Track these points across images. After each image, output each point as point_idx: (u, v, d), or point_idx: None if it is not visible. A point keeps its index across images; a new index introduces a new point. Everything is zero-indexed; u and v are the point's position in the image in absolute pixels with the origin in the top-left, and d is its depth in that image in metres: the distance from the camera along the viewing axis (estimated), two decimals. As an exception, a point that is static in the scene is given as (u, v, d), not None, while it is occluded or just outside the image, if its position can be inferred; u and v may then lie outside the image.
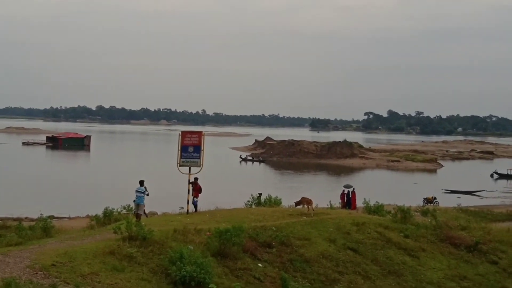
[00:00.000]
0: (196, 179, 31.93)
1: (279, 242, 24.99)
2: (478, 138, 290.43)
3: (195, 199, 31.89)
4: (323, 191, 74.18)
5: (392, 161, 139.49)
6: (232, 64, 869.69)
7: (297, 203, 33.96)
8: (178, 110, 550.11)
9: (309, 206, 33.47)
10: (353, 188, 44.80)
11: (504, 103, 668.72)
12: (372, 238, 28.30)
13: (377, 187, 73.94)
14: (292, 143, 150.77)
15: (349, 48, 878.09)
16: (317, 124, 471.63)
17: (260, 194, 43.26)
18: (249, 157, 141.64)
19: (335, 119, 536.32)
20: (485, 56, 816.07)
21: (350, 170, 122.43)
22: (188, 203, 31.52)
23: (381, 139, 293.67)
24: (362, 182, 56.81)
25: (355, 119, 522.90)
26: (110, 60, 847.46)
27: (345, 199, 44.56)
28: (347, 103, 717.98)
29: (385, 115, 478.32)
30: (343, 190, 45.52)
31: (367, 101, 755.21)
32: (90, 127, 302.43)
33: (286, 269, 23.05)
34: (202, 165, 31.49)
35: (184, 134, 32.24)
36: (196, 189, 31.87)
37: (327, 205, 40.37)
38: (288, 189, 71.88)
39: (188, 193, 31.57)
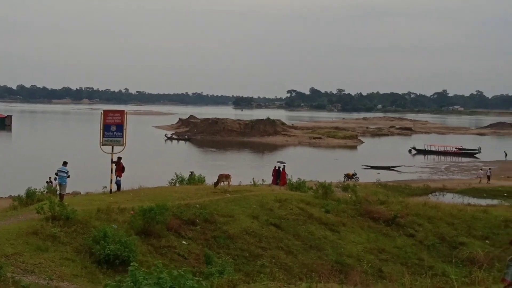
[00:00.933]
0: (119, 158, 31.68)
1: (203, 219, 25.13)
2: (397, 115, 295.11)
3: (118, 178, 31.63)
4: (246, 168, 74.77)
5: (314, 138, 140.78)
6: (156, 41, 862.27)
7: (216, 183, 34.05)
8: (100, 89, 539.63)
9: (228, 181, 33.66)
10: (284, 165, 45.26)
11: (421, 81, 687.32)
12: (294, 214, 28.77)
13: (300, 164, 74.68)
14: (215, 121, 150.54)
15: (273, 26, 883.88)
16: (240, 102, 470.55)
17: (192, 173, 43.38)
18: (174, 136, 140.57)
19: (258, 97, 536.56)
20: (405, 35, 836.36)
21: (273, 148, 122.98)
22: (111, 182, 31.26)
23: (304, 116, 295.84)
24: (285, 159, 57.42)
25: (278, 97, 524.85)
26: (31, 37, 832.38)
27: (276, 174, 45.11)
28: (270, 81, 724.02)
29: (307, 92, 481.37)
30: (275, 166, 46.00)
31: (290, 79, 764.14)
32: (11, 107, 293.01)
33: (210, 246, 23.24)
34: (125, 144, 31.37)
35: (106, 113, 31.94)
36: (119, 168, 31.61)
37: (251, 182, 40.74)
38: (212, 167, 71.75)
39: (111, 172, 31.29)
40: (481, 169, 74.40)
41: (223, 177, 33.85)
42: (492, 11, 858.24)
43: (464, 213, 33.79)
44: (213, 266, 19.58)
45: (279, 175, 44.39)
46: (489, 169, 72.38)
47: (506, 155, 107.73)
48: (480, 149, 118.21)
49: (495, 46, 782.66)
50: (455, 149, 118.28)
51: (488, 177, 68.07)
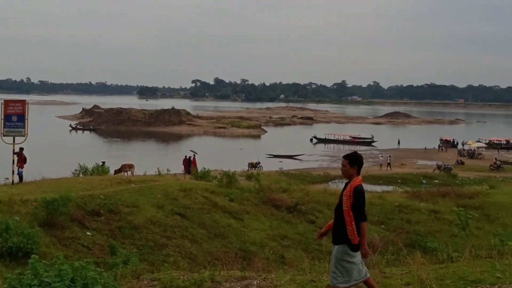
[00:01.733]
0: (21, 149, 30.95)
1: (108, 210, 24.79)
2: (299, 105, 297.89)
3: (20, 169, 30.92)
4: (152, 158, 74.02)
5: (219, 127, 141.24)
6: (58, 31, 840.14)
7: (117, 171, 33.60)
8: (0, 78, 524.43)
9: (132, 171, 33.34)
10: (194, 155, 45.22)
11: (322, 71, 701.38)
12: (199, 202, 28.78)
13: (204, 153, 74.61)
14: (120, 111, 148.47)
15: (177, 16, 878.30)
16: (145, 92, 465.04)
17: (103, 163, 42.53)
18: (79, 126, 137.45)
19: (163, 87, 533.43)
20: (304, 25, 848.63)
21: (179, 137, 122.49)
22: (13, 173, 30.43)
23: (208, 106, 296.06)
24: (190, 149, 57.58)
25: (183, 87, 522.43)
26: None
27: (188, 164, 45.06)
28: (175, 71, 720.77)
29: (212, 82, 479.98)
30: (186, 155, 45.89)
31: (195, 69, 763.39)
32: None
33: (114, 236, 22.97)
34: (27, 134, 30.64)
35: (7, 103, 31.12)
36: (21, 159, 30.91)
37: (156, 172, 40.48)
38: (116, 157, 69.88)
39: (13, 163, 30.50)
40: (381, 156, 77.50)
41: (126, 167, 33.50)
42: (386, 5, 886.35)
43: None
44: (117, 256, 19.36)
45: (190, 164, 44.42)
46: (389, 156, 75.66)
47: (399, 142, 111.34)
48: (373, 137, 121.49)
49: (389, 39, 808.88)
50: (350, 138, 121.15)
51: (389, 164, 71.56)
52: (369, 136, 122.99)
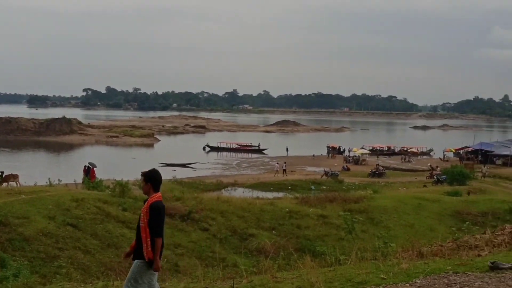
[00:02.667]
0: None
1: (-3, 222, 24.43)
2: (191, 113, 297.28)
3: None
4: (43, 168, 71.93)
5: (111, 136, 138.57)
6: None
7: (1, 182, 32.49)
8: None
9: (16, 182, 32.37)
10: (92, 164, 44.32)
11: (214, 80, 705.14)
12: (92, 213, 28.11)
13: (97, 163, 73.10)
14: (9, 120, 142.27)
15: (66, 25, 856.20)
16: (35, 101, 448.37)
17: (2, 173, 40.74)
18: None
19: (54, 96, 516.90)
20: (195, 34, 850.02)
21: (70, 147, 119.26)
22: None
23: (100, 115, 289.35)
24: (82, 158, 56.27)
25: (74, 96, 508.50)
26: None
27: (86, 173, 44.19)
28: (66, 79, 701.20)
29: (103, 91, 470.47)
30: (85, 166, 44.98)
31: (86, 78, 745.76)
32: None
33: (4, 249, 22.06)
34: None
35: None
36: None
37: (46, 182, 39.34)
38: (5, 167, 67.87)
39: None
40: (277, 163, 78.62)
41: (11, 177, 32.45)
42: (276, 16, 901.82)
43: (253, 206, 35.13)
44: (7, 269, 18.71)
45: (88, 173, 43.67)
46: (284, 163, 76.88)
47: (287, 150, 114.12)
48: (259, 145, 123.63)
49: (279, 49, 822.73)
50: (238, 146, 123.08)
51: (284, 170, 73.05)
52: (256, 144, 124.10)
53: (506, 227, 14.25)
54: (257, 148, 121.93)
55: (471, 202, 39.64)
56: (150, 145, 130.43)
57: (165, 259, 22.43)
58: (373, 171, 76.79)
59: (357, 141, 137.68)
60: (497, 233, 13.99)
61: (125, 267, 20.93)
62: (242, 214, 33.35)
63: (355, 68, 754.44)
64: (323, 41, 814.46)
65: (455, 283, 9.09)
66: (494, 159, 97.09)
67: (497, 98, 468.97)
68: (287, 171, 74.33)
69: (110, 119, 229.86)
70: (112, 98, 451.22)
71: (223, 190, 56.30)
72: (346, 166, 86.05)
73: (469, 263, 10.37)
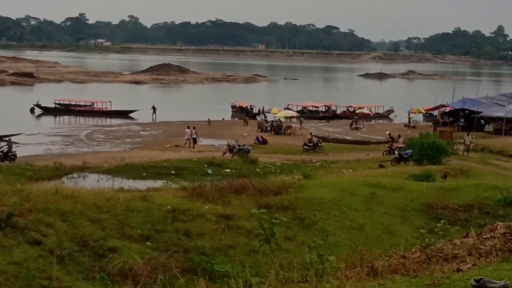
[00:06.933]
0: None
1: None
2: (10, 53, 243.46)
3: None
4: None
5: None
6: None
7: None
8: None
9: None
10: None
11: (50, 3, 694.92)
12: None
13: None
14: None
15: None
16: None
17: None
18: None
19: None
20: None
21: None
22: None
23: None
24: None
25: None
26: None
27: None
28: None
29: None
30: None
31: None
32: None
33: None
34: None
35: None
36: None
37: None
38: None
39: None
40: (187, 128, 69.21)
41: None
42: None
43: (115, 203, 31.96)
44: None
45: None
46: (194, 128, 70.08)
47: (154, 111, 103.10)
48: (112, 102, 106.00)
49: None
50: (89, 106, 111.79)
51: (194, 139, 68.58)
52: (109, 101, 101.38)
53: (498, 227, 14.46)
54: (120, 110, 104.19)
55: (448, 190, 36.62)
56: None
57: None
58: (308, 144, 68.84)
59: (279, 97, 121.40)
60: (484, 236, 13.39)
61: None
62: (97, 217, 30.64)
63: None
64: None
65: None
66: (483, 123, 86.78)
67: (487, 31, 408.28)
68: (197, 140, 66.67)
69: None
70: None
71: (65, 178, 51.16)
72: (261, 137, 78.43)
73: (444, 283, 9.59)
